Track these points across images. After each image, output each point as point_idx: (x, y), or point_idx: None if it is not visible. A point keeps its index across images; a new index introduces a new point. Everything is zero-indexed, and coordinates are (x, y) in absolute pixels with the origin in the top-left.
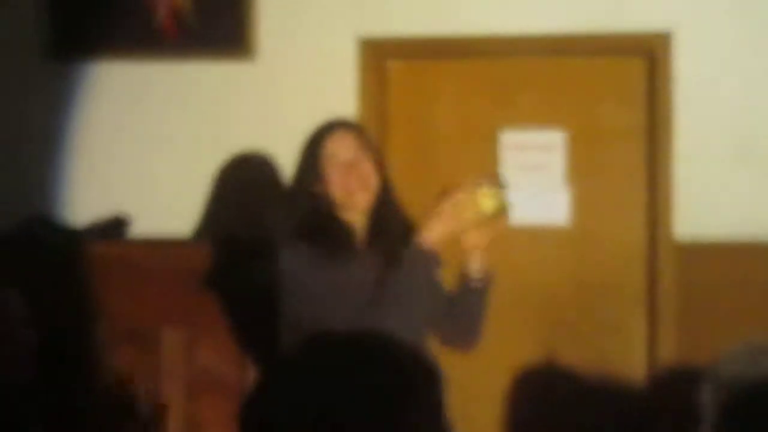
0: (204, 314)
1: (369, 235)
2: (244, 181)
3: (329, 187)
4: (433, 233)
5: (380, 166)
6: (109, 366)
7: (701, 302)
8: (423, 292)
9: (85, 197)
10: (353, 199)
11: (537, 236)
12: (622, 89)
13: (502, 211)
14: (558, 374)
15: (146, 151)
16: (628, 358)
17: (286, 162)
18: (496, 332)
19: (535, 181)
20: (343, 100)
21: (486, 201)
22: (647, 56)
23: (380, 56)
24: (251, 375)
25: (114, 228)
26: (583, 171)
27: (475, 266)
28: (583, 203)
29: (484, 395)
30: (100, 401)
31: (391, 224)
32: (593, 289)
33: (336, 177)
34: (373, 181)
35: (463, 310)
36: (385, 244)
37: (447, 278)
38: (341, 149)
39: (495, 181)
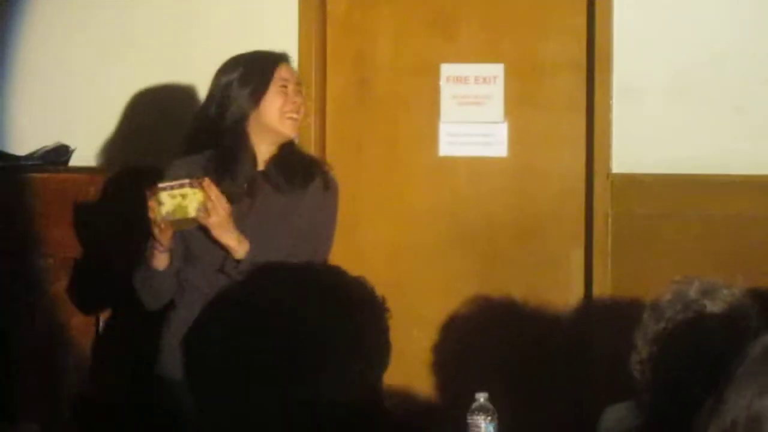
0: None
1: (271, 164)
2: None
3: (268, 107)
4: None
5: None
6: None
7: (637, 235)
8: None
9: (29, 127)
10: (284, 123)
11: (476, 168)
12: (562, 22)
13: (177, 213)
14: (495, 305)
15: (88, 82)
16: (566, 289)
17: None
18: (434, 263)
19: (474, 113)
20: (283, 33)
21: (156, 207)
22: None
23: None
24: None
25: (55, 156)
26: (522, 103)
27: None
28: (522, 136)
29: (422, 326)
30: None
31: (296, 158)
32: (531, 222)
33: (280, 99)
34: (302, 117)
35: None
36: (283, 175)
37: None
38: (292, 78)
39: (172, 184)
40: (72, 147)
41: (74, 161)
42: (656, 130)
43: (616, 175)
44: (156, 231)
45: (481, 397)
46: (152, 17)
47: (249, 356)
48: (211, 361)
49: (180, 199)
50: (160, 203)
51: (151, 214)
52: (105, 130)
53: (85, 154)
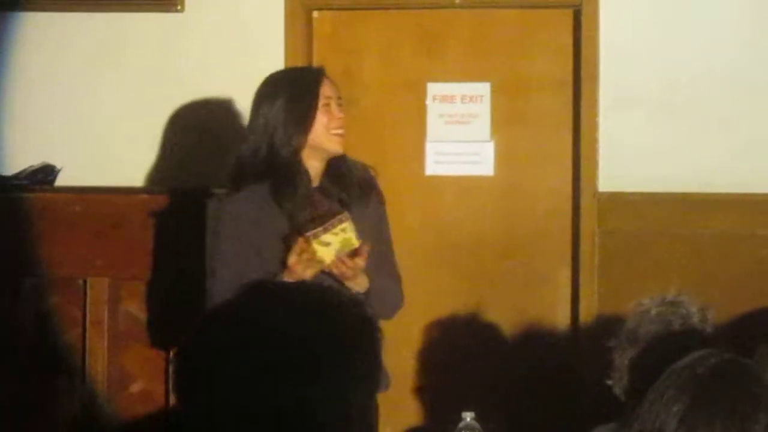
0: (129, 264)
1: (325, 179)
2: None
3: (315, 127)
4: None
5: None
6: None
7: (624, 253)
8: None
9: (15, 147)
10: (332, 140)
11: (463, 187)
12: (548, 41)
13: (345, 248)
14: (483, 325)
15: (76, 101)
16: (553, 308)
17: (213, 111)
18: (421, 282)
19: (461, 132)
20: (270, 50)
21: (322, 250)
22: (573, 8)
23: (307, 6)
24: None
25: (42, 176)
26: (509, 122)
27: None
28: (508, 154)
29: (408, 345)
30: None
31: (349, 170)
32: (519, 240)
33: (325, 117)
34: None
35: None
36: (340, 187)
37: None
38: (334, 94)
39: (331, 225)
40: (58, 167)
41: (61, 181)
42: (643, 147)
43: (603, 193)
44: (309, 272)
45: (468, 416)
46: (140, 37)
47: (238, 374)
48: (202, 374)
49: (343, 234)
50: (326, 244)
51: (308, 257)
52: (92, 150)
53: (72, 174)
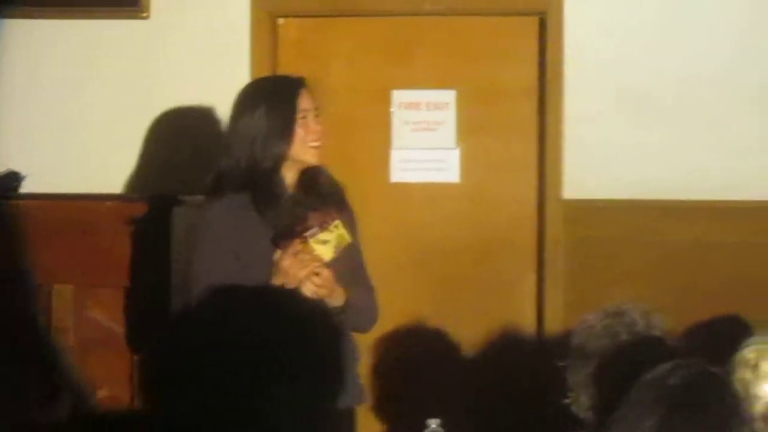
0: (95, 271)
1: (299, 188)
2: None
3: (292, 139)
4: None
5: None
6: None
7: (589, 260)
8: None
9: None
10: (308, 152)
11: (429, 194)
12: (513, 48)
13: (341, 244)
14: (449, 331)
15: (44, 108)
16: (519, 315)
17: (180, 117)
18: (386, 289)
19: (427, 139)
20: (236, 57)
21: (321, 248)
22: (539, 15)
23: (272, 13)
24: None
25: (7, 183)
26: (474, 129)
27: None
28: (474, 161)
29: (374, 351)
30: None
31: (322, 180)
32: (484, 247)
33: (301, 131)
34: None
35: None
36: (314, 196)
37: None
38: (310, 106)
39: (325, 223)
40: (22, 174)
41: (36, 187)
42: (607, 155)
43: (569, 200)
44: (304, 272)
45: (433, 423)
46: (107, 44)
47: (203, 375)
48: (171, 377)
49: (337, 230)
50: (324, 242)
51: (306, 257)
52: (63, 156)
53: (47, 180)
